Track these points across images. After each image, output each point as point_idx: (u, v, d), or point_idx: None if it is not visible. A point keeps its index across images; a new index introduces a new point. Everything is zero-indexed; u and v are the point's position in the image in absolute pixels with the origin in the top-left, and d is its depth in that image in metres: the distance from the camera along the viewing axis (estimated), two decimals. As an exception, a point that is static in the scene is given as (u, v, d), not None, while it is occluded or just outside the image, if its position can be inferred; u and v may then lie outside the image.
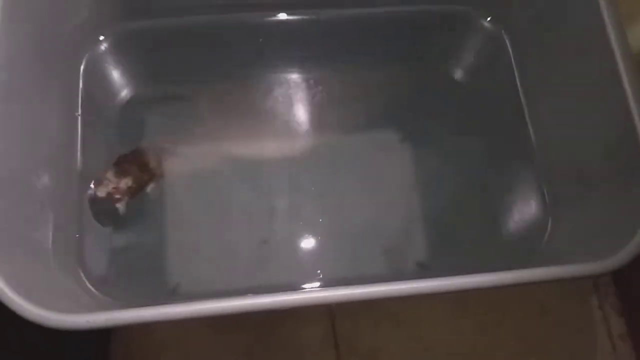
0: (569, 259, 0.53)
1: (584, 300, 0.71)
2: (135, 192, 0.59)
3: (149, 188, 0.61)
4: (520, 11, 0.67)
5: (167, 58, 0.68)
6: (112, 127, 0.65)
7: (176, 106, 0.66)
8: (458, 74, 0.70)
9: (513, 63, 0.69)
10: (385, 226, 0.64)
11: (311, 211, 0.64)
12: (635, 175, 0.50)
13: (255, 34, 0.69)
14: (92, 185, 0.59)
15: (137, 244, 0.61)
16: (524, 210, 0.65)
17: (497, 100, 0.69)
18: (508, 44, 0.70)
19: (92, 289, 0.57)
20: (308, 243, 0.63)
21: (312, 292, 0.45)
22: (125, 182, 0.57)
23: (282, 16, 0.69)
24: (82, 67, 0.65)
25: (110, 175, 0.58)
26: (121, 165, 0.59)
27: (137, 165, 0.60)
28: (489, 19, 0.71)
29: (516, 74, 0.69)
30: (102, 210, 0.60)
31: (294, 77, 0.69)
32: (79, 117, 0.63)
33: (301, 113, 0.68)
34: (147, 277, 0.60)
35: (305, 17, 0.70)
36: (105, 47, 0.67)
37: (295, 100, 0.68)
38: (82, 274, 0.57)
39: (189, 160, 0.65)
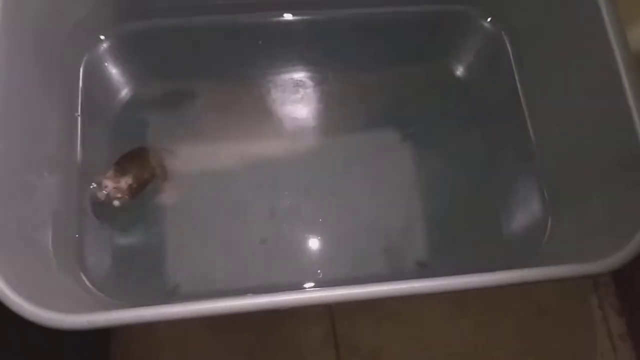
0: (569, 258, 0.53)
1: (583, 300, 0.71)
2: (136, 191, 0.58)
3: (162, 194, 0.61)
4: (520, 12, 0.67)
5: (168, 58, 0.68)
6: (112, 126, 0.65)
7: (176, 106, 0.66)
8: (458, 75, 0.70)
9: (513, 64, 0.69)
10: (386, 226, 0.64)
11: (311, 211, 0.64)
12: (635, 175, 0.50)
13: (256, 35, 0.69)
14: (92, 184, 0.59)
15: (137, 244, 0.61)
16: (524, 210, 0.65)
17: (498, 101, 0.69)
18: (508, 45, 0.70)
19: (92, 288, 0.57)
20: (308, 243, 0.63)
21: (312, 292, 0.45)
22: (126, 181, 0.57)
23: (283, 17, 0.69)
24: (82, 67, 0.65)
25: (110, 173, 0.57)
26: (122, 164, 0.59)
27: (138, 164, 0.59)
28: (489, 19, 0.71)
29: (516, 75, 0.69)
30: (103, 209, 0.60)
31: (295, 77, 0.69)
32: (79, 117, 0.63)
33: (302, 113, 0.68)
34: (147, 277, 0.60)
35: (305, 17, 0.70)
36: (105, 47, 0.67)
37: (295, 100, 0.68)
38: (82, 274, 0.57)
39: (188, 160, 0.64)
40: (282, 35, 0.70)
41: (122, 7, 0.65)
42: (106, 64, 0.67)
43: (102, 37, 0.66)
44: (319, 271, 0.61)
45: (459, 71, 0.70)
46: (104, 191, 0.57)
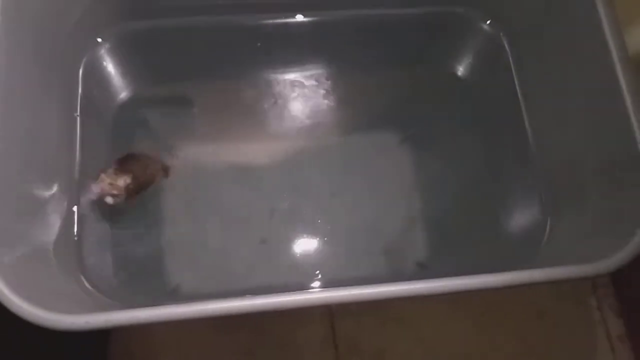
0: (568, 259, 0.53)
1: (582, 302, 0.72)
2: (133, 192, 0.58)
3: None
4: (519, 14, 0.67)
5: (167, 59, 0.69)
6: (111, 127, 0.65)
7: (176, 107, 0.67)
8: (458, 76, 0.70)
9: (512, 65, 0.69)
10: (386, 227, 0.64)
11: (311, 211, 0.64)
12: (633, 177, 0.50)
13: (255, 36, 0.69)
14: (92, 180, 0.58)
15: (137, 244, 0.61)
16: (523, 211, 0.65)
17: (497, 102, 0.69)
18: (507, 47, 0.70)
19: (92, 289, 0.57)
20: (307, 243, 0.63)
21: (312, 293, 0.45)
22: (124, 180, 0.57)
23: (283, 18, 0.69)
24: (81, 68, 0.65)
25: (110, 171, 0.57)
26: (122, 164, 0.59)
27: (139, 166, 0.59)
28: (488, 21, 0.71)
29: (515, 76, 0.69)
30: (100, 205, 0.60)
31: (295, 78, 0.69)
32: (78, 118, 0.63)
33: (302, 114, 0.68)
34: (147, 278, 0.60)
35: (305, 18, 0.70)
36: (105, 48, 0.67)
37: (295, 101, 0.68)
38: (81, 275, 0.57)
39: (188, 160, 0.65)
40: (282, 37, 0.70)
41: (122, 7, 0.65)
42: (105, 64, 0.66)
43: (101, 37, 0.66)
44: (318, 272, 0.61)
45: (459, 72, 0.70)
46: (99, 184, 0.56)
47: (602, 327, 0.71)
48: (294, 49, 0.69)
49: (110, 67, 0.67)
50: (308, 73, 0.69)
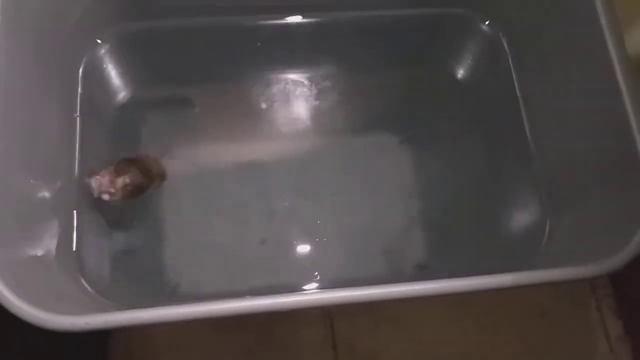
0: (567, 260, 0.53)
1: (582, 302, 0.72)
2: (130, 193, 0.58)
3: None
4: (518, 15, 0.67)
5: (167, 59, 0.69)
6: (111, 127, 0.65)
7: (176, 107, 0.67)
8: (458, 77, 0.70)
9: (511, 66, 0.69)
10: (385, 227, 0.64)
11: (311, 212, 0.64)
12: (632, 178, 0.50)
13: (255, 37, 0.69)
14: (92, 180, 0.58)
15: (136, 245, 0.61)
16: (523, 211, 0.65)
17: (496, 103, 0.69)
18: (506, 47, 0.70)
19: (91, 290, 0.57)
20: (307, 244, 0.63)
21: (311, 295, 0.46)
22: (123, 179, 0.57)
23: (282, 19, 0.69)
24: (81, 68, 0.65)
25: (111, 168, 0.57)
26: (123, 164, 0.59)
27: (138, 170, 0.59)
28: (487, 22, 0.71)
29: (514, 77, 0.69)
30: (98, 204, 0.60)
31: (294, 79, 0.69)
32: (78, 118, 0.63)
33: (302, 115, 0.68)
34: (146, 278, 0.61)
35: (305, 20, 0.70)
36: (105, 49, 0.67)
37: (295, 102, 0.68)
38: (81, 276, 0.57)
39: (188, 161, 0.65)
40: (282, 38, 0.70)
41: (122, 7, 0.65)
42: (105, 64, 0.66)
43: (101, 38, 0.66)
44: (318, 271, 0.61)
45: (458, 73, 0.70)
46: (99, 179, 0.56)
47: (602, 328, 0.71)
48: (294, 49, 0.69)
49: (110, 67, 0.67)
50: (308, 74, 0.69)
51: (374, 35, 0.71)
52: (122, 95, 0.66)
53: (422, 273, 0.62)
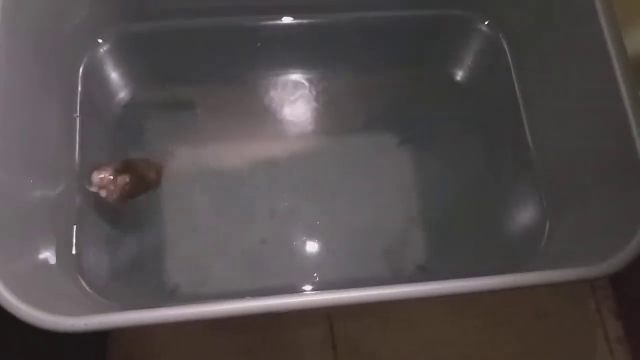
0: (567, 261, 0.53)
1: (581, 303, 0.72)
2: (128, 194, 0.57)
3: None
4: (517, 15, 0.67)
5: (168, 60, 0.68)
6: (111, 128, 0.65)
7: (176, 108, 0.67)
8: (457, 78, 0.70)
9: (511, 67, 0.69)
10: (385, 228, 0.64)
11: (311, 212, 0.64)
12: (632, 178, 0.50)
13: (255, 37, 0.69)
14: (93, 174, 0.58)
15: (136, 245, 0.61)
16: (523, 213, 0.65)
17: (496, 103, 0.69)
18: (506, 48, 0.70)
19: (91, 291, 0.57)
20: (307, 244, 0.63)
21: (312, 296, 0.45)
22: (124, 178, 0.57)
23: (283, 19, 0.69)
24: (81, 69, 0.65)
25: (112, 166, 0.57)
26: (124, 164, 0.59)
27: (138, 171, 0.59)
28: (486, 22, 0.71)
29: (514, 78, 0.69)
30: (98, 204, 0.60)
31: (294, 79, 0.69)
32: (78, 118, 0.63)
33: (301, 115, 0.68)
34: (145, 279, 0.60)
35: (305, 20, 0.70)
36: (105, 49, 0.67)
37: (295, 102, 0.68)
38: (80, 276, 0.57)
39: (187, 161, 0.65)
40: (282, 38, 0.70)
41: (122, 8, 0.65)
42: (106, 65, 0.67)
43: (101, 38, 0.66)
44: (318, 272, 0.61)
45: (458, 74, 0.70)
46: (99, 174, 0.56)
47: (601, 329, 0.71)
48: (294, 50, 0.69)
49: (110, 68, 0.67)
50: (308, 74, 0.69)
51: (374, 36, 0.71)
52: (123, 95, 0.66)
53: (422, 273, 0.62)
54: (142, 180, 0.59)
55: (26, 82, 0.52)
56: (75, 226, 0.59)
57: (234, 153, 0.66)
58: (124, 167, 0.58)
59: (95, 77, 0.66)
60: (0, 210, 0.46)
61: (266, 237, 0.62)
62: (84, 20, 0.62)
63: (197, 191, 0.64)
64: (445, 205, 0.66)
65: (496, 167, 0.67)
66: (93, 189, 0.56)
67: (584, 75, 0.56)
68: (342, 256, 0.63)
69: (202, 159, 0.65)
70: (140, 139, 0.65)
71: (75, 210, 0.60)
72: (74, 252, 0.58)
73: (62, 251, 0.55)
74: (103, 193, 0.56)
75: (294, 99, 0.68)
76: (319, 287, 0.60)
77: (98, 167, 0.56)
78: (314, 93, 0.68)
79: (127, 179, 0.57)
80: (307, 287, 0.61)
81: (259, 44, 0.69)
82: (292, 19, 0.69)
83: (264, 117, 0.67)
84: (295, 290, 0.61)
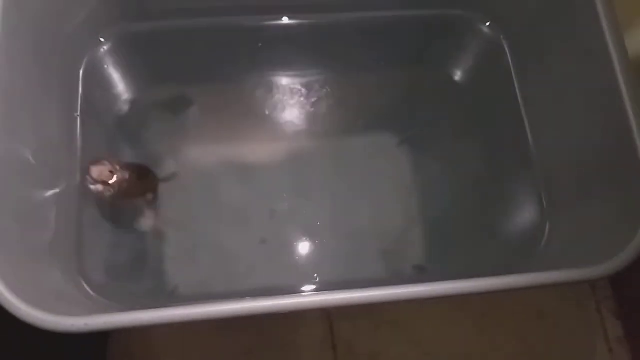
0: (566, 262, 0.53)
1: (581, 303, 0.72)
2: (125, 192, 0.57)
3: (142, 218, 0.61)
4: (518, 16, 0.67)
5: (168, 60, 0.69)
6: (111, 128, 0.65)
7: (176, 108, 0.66)
8: (458, 78, 0.70)
9: (511, 67, 0.69)
10: (385, 228, 0.64)
11: (310, 212, 0.64)
12: (632, 178, 0.50)
13: (256, 38, 0.69)
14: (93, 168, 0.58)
15: (136, 246, 0.61)
16: (522, 213, 0.65)
17: (497, 104, 0.69)
18: (506, 49, 0.70)
19: (91, 291, 0.57)
20: (307, 244, 0.63)
21: (311, 297, 0.45)
22: (122, 175, 0.56)
23: (283, 20, 0.69)
24: (82, 69, 0.65)
25: (112, 160, 0.57)
26: (127, 165, 0.58)
27: (138, 173, 0.59)
28: (487, 23, 0.71)
29: (514, 78, 0.69)
30: (99, 203, 0.60)
31: (294, 80, 0.69)
32: (79, 118, 0.63)
33: (301, 116, 0.68)
34: (146, 279, 0.61)
35: (305, 21, 0.70)
36: (106, 49, 0.67)
37: (295, 103, 0.68)
38: (81, 277, 0.58)
39: (188, 161, 0.65)
40: (282, 38, 0.70)
41: (123, 8, 0.65)
42: (106, 65, 0.67)
43: (102, 38, 0.66)
44: (317, 272, 0.61)
45: (458, 75, 0.70)
46: (100, 167, 0.55)
47: (601, 329, 0.71)
48: (294, 50, 0.69)
49: (111, 68, 0.67)
50: (308, 74, 0.69)
51: (374, 36, 0.71)
52: (123, 95, 0.66)
53: (422, 274, 0.62)
54: (139, 183, 0.59)
55: (26, 82, 0.52)
56: (75, 226, 0.59)
57: (233, 153, 0.66)
58: (124, 166, 0.58)
59: (96, 77, 0.66)
60: (1, 211, 0.46)
61: (266, 237, 0.62)
62: (84, 21, 0.62)
63: (197, 191, 0.64)
64: (445, 205, 0.66)
65: (496, 167, 0.67)
66: (92, 186, 0.56)
67: (585, 75, 0.56)
68: (342, 256, 0.63)
69: (202, 158, 0.65)
70: (141, 138, 0.65)
71: (76, 210, 0.60)
72: (74, 252, 0.58)
73: (62, 252, 0.55)
74: (101, 188, 0.56)
75: (294, 99, 0.68)
76: (319, 288, 0.60)
77: (98, 161, 0.56)
78: (313, 93, 0.68)
79: (127, 176, 0.57)
80: (307, 287, 0.61)
81: (259, 44, 0.69)
82: (292, 19, 0.69)
83: (264, 117, 0.67)
84: (295, 290, 0.61)
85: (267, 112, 0.67)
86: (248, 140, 0.67)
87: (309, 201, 0.64)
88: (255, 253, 0.62)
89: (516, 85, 0.68)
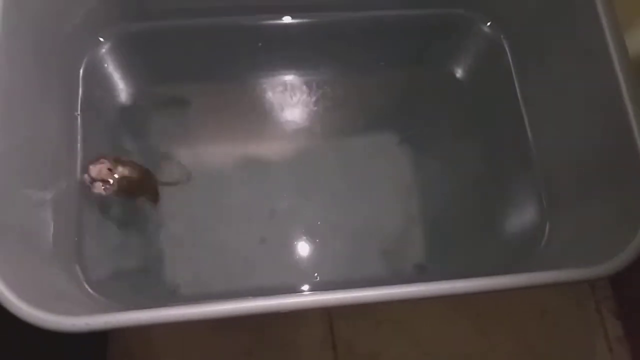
0: (566, 262, 0.53)
1: (581, 303, 0.72)
2: (125, 188, 0.57)
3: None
4: (519, 16, 0.67)
5: (168, 60, 0.69)
6: (111, 128, 0.65)
7: (176, 107, 0.66)
8: (458, 78, 0.70)
9: (512, 67, 0.69)
10: (384, 228, 0.64)
11: (310, 212, 0.64)
12: (632, 178, 0.50)
13: (255, 37, 0.69)
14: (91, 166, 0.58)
15: (137, 246, 0.61)
16: (523, 213, 0.65)
17: (497, 104, 0.69)
18: (507, 49, 0.70)
19: (91, 291, 0.57)
20: (307, 243, 0.63)
21: (311, 296, 0.45)
22: (121, 172, 0.56)
23: (283, 19, 0.69)
24: (82, 68, 0.65)
25: (110, 158, 0.57)
26: (127, 161, 0.58)
27: (137, 171, 0.59)
28: (488, 23, 0.71)
29: (515, 78, 0.69)
30: (99, 203, 0.60)
31: (294, 79, 0.69)
32: (79, 118, 0.63)
33: (301, 115, 0.68)
34: (147, 279, 0.61)
35: (306, 20, 0.70)
36: (106, 49, 0.67)
37: (294, 102, 0.68)
38: (81, 276, 0.58)
39: (188, 161, 0.65)
40: (282, 38, 0.70)
41: (123, 8, 0.65)
42: (106, 65, 0.67)
43: (102, 38, 0.66)
44: (317, 271, 0.61)
45: (459, 74, 0.70)
46: (98, 166, 0.55)
47: (601, 328, 0.71)
48: (294, 50, 0.69)
49: (111, 67, 0.67)
50: (308, 74, 0.69)
51: (375, 36, 0.71)
52: (123, 95, 0.66)
53: (422, 273, 0.62)
54: (138, 181, 0.59)
55: (26, 82, 0.52)
56: (76, 226, 0.59)
57: (233, 152, 0.66)
58: (124, 163, 0.58)
59: (96, 77, 0.66)
60: (1, 210, 0.46)
61: (266, 237, 0.62)
62: (84, 20, 0.62)
63: (197, 191, 0.64)
64: (445, 204, 0.66)
65: (496, 167, 0.67)
66: (91, 185, 0.56)
67: (585, 75, 0.56)
68: (342, 256, 0.63)
69: (201, 158, 0.65)
70: (141, 137, 0.65)
71: (76, 210, 0.60)
72: (75, 252, 0.58)
73: (63, 251, 0.55)
74: (101, 187, 0.55)
75: (294, 99, 0.68)
76: (319, 287, 0.60)
77: (96, 160, 0.56)
78: (313, 93, 0.68)
79: (126, 172, 0.57)
80: (307, 287, 0.61)
81: (259, 44, 0.69)
82: (292, 18, 0.69)
83: (264, 116, 0.67)
84: (295, 289, 0.61)
85: (267, 112, 0.67)
86: (248, 140, 0.67)
87: (309, 201, 0.64)
88: (255, 252, 0.62)
89: (516, 85, 0.69)
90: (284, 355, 0.67)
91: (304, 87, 0.68)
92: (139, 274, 0.60)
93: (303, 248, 0.63)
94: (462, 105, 0.69)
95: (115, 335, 0.66)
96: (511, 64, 0.69)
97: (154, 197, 0.62)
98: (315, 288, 0.61)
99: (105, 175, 0.55)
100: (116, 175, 0.56)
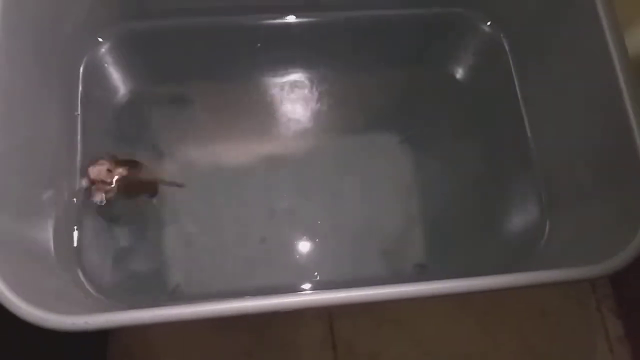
0: (566, 261, 0.53)
1: (582, 302, 0.72)
2: (124, 188, 0.57)
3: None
4: (519, 15, 0.67)
5: (168, 60, 0.68)
6: (111, 127, 0.65)
7: (176, 107, 0.66)
8: (458, 77, 0.70)
9: (512, 67, 0.69)
10: (384, 227, 0.64)
11: (310, 212, 0.64)
12: (632, 178, 0.50)
13: (255, 37, 0.69)
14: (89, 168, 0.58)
15: (137, 245, 0.61)
16: (522, 212, 0.65)
17: (497, 103, 0.69)
18: (507, 48, 0.70)
19: (91, 290, 0.57)
20: (307, 243, 0.63)
21: (311, 295, 0.46)
22: (120, 172, 0.57)
23: (283, 19, 0.69)
24: (81, 68, 0.65)
25: (109, 159, 0.57)
26: (123, 160, 0.58)
27: (137, 169, 0.59)
28: (488, 23, 0.71)
29: (515, 78, 0.69)
30: (100, 207, 0.60)
31: (294, 79, 0.69)
32: (79, 118, 0.63)
33: (301, 115, 0.68)
34: (146, 278, 0.61)
35: (306, 19, 0.70)
36: (105, 48, 0.67)
37: (294, 102, 0.68)
38: (81, 275, 0.58)
39: (188, 160, 0.65)
40: (282, 37, 0.70)
41: (122, 8, 0.65)
42: (106, 64, 0.67)
43: (102, 38, 0.67)
44: (318, 271, 0.61)
45: (459, 74, 0.70)
46: (97, 167, 0.55)
47: (602, 328, 0.71)
48: (294, 49, 0.69)
49: (111, 67, 0.67)
50: (308, 73, 0.69)
51: (374, 35, 0.71)
52: (123, 94, 0.66)
53: (422, 273, 0.62)
54: (138, 180, 0.59)
55: (26, 82, 0.52)
56: (75, 225, 0.59)
57: (233, 153, 0.66)
58: (123, 162, 0.58)
59: (96, 77, 0.66)
60: (1, 210, 0.46)
61: (266, 237, 0.62)
62: (84, 20, 0.62)
63: (197, 190, 0.64)
64: (445, 204, 0.66)
65: (496, 167, 0.67)
66: (90, 191, 0.56)
67: (585, 75, 0.56)
68: (342, 255, 0.63)
69: (201, 158, 0.65)
70: (141, 138, 0.65)
71: (76, 209, 0.60)
72: (74, 251, 0.58)
73: (63, 250, 0.55)
74: (100, 193, 0.56)
75: (294, 99, 0.68)
76: (319, 287, 0.60)
77: (95, 161, 0.56)
78: (313, 92, 0.68)
79: (125, 172, 0.57)
80: (307, 287, 0.61)
81: (259, 44, 0.69)
82: (292, 18, 0.69)
83: (263, 116, 0.67)
84: (295, 289, 0.61)
85: (266, 112, 0.67)
86: (248, 139, 0.67)
87: (308, 200, 0.64)
88: (255, 252, 0.62)
89: (516, 85, 0.69)
90: (284, 355, 0.67)
91: (304, 87, 0.68)
92: (139, 273, 0.60)
93: (303, 248, 0.63)
94: (462, 105, 0.69)
95: (115, 335, 0.66)
96: (511, 63, 0.69)
97: (155, 193, 0.62)
98: (316, 288, 0.61)
99: (105, 176, 0.56)
100: (116, 176, 0.56)
